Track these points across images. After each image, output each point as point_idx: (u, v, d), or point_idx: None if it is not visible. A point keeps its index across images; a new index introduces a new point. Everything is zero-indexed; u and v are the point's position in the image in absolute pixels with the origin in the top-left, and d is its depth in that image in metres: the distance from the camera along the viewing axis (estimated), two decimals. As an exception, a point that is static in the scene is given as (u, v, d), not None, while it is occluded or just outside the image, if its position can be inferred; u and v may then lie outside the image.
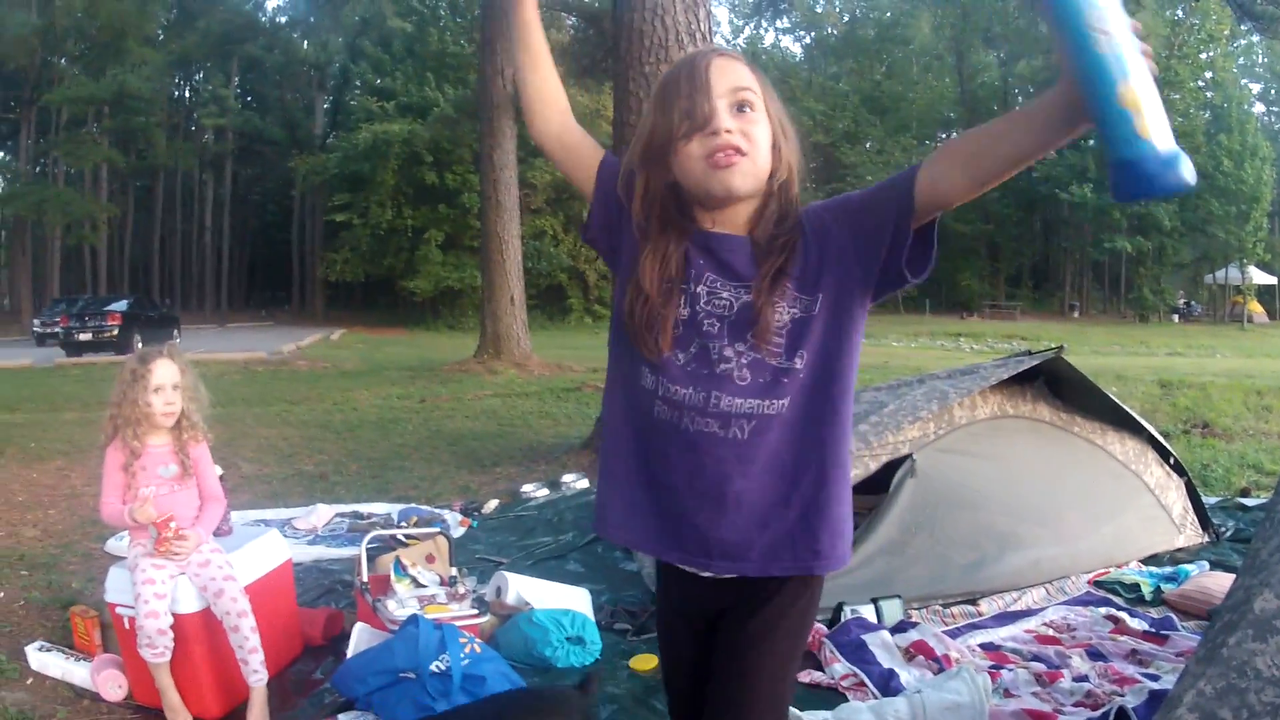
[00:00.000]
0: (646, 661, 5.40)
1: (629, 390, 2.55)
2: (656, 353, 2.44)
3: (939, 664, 5.16)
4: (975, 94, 78.47)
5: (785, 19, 77.33)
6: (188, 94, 78.85)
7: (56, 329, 35.92)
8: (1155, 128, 1.97)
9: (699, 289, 2.42)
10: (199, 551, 5.01)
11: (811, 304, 2.39)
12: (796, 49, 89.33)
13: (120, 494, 4.96)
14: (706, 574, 2.53)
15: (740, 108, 2.38)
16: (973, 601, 6.24)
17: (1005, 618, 6.09)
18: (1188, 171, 1.96)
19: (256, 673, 4.93)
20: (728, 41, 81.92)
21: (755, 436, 2.39)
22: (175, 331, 39.65)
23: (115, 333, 34.87)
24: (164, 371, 5.00)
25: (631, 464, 2.56)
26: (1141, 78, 1.99)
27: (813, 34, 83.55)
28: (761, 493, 2.41)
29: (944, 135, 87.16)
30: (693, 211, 2.49)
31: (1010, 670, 5.18)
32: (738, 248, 2.43)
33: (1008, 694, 4.89)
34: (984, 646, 5.60)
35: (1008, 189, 76.53)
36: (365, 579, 5.87)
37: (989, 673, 4.99)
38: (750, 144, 2.36)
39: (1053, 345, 7.49)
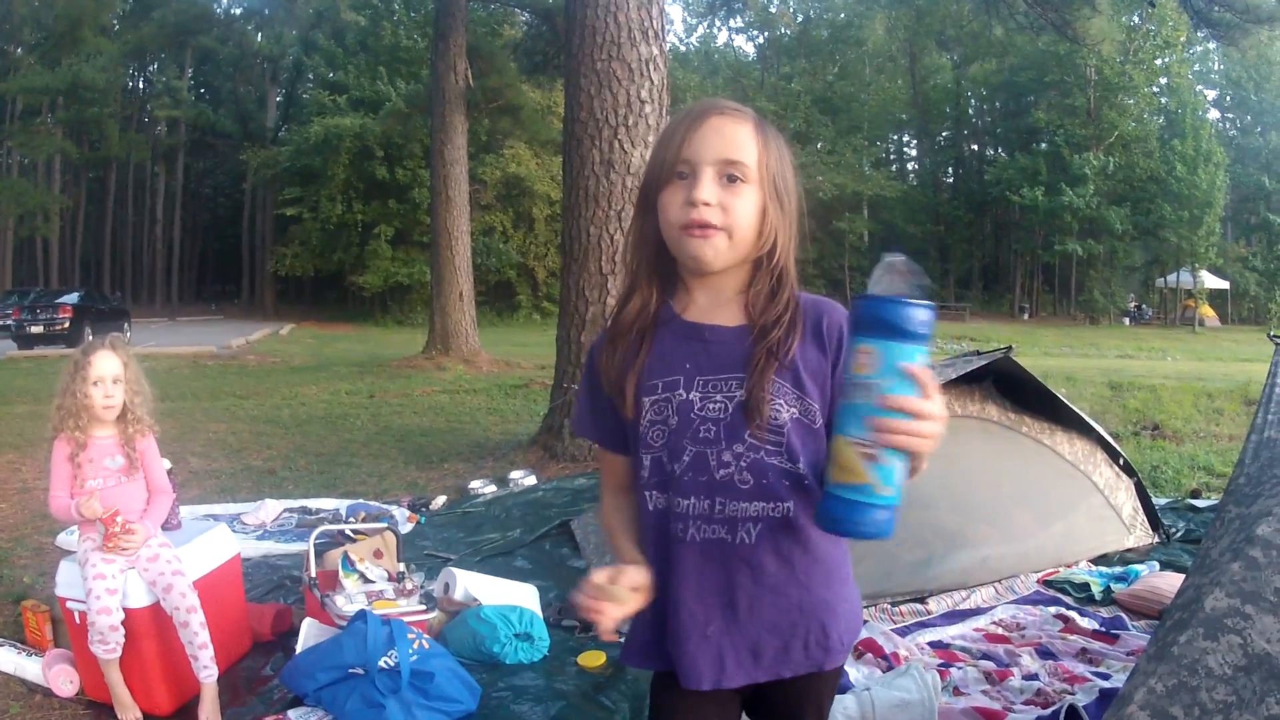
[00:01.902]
0: (594, 658, 5.41)
1: (644, 515, 2.45)
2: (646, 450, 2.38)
3: (888, 662, 5.18)
4: (928, 96, 78.75)
5: (739, 18, 77.31)
6: (141, 85, 78.67)
7: (8, 321, 35.74)
8: (853, 478, 2.04)
9: (692, 395, 2.35)
10: (148, 546, 5.00)
11: (810, 407, 2.34)
12: (750, 48, 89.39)
13: (68, 487, 4.95)
14: (709, 687, 2.40)
15: (729, 178, 2.30)
16: (921, 600, 6.26)
17: (954, 616, 6.11)
18: (874, 526, 2.07)
19: (206, 668, 4.93)
20: (680, 40, 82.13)
21: (763, 540, 2.32)
22: (126, 325, 39.46)
23: (66, 325, 34.72)
24: (104, 364, 4.99)
25: (656, 587, 2.39)
26: (869, 439, 2.03)
27: (766, 34, 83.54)
28: (773, 597, 2.35)
29: (895, 137, 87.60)
30: (678, 269, 2.45)
31: (959, 668, 5.19)
32: (730, 339, 2.37)
33: (957, 692, 4.90)
34: (933, 645, 5.60)
35: (958, 191, 77.03)
36: (314, 574, 5.88)
37: (938, 671, 5.01)
38: (728, 218, 2.29)
39: (1001, 346, 7.51)
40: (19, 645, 5.74)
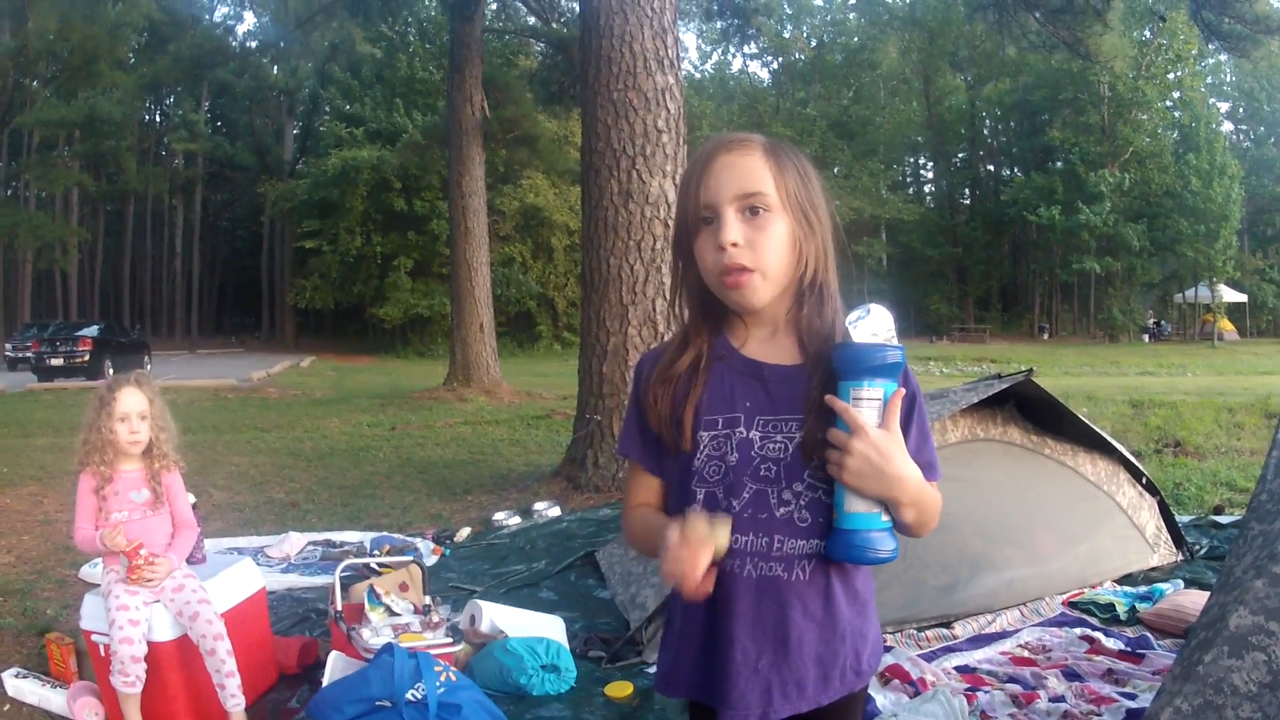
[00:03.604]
0: (621, 689, 5.40)
1: None
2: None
3: (914, 687, 5.16)
4: (943, 117, 78.71)
5: (753, 45, 77.28)
6: (158, 118, 78.92)
7: (28, 354, 35.86)
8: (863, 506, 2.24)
9: (752, 434, 2.36)
10: (172, 577, 5.01)
11: None
12: (765, 74, 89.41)
13: (92, 519, 4.96)
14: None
15: (751, 210, 2.31)
16: (947, 624, 6.24)
17: (980, 640, 6.09)
18: (877, 551, 2.25)
19: (234, 697, 4.94)
20: (695, 68, 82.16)
21: (814, 576, 2.35)
22: (146, 357, 39.60)
23: (86, 358, 34.87)
24: (130, 400, 5.01)
25: (695, 619, 2.46)
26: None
27: (780, 59, 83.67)
28: (819, 630, 2.38)
29: (911, 159, 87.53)
30: (725, 310, 2.45)
31: (986, 692, 5.17)
32: (789, 379, 2.38)
33: (984, 716, 4.88)
34: (959, 669, 5.59)
35: (975, 212, 76.89)
36: (339, 607, 5.87)
37: (965, 695, 5.01)
38: (758, 256, 2.30)
39: (1022, 368, 7.51)
40: (43, 677, 5.76)
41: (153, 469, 5.12)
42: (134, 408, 5.01)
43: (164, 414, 5.21)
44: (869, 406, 2.21)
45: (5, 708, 5.53)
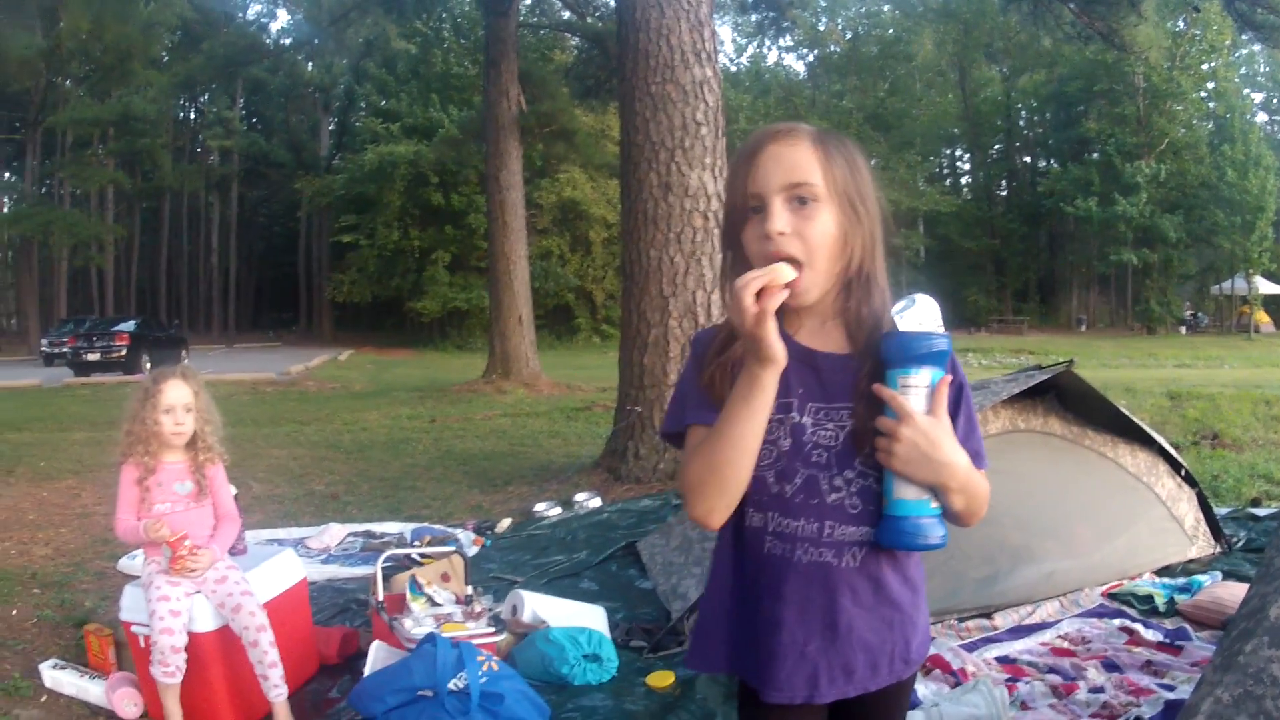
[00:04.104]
0: (663, 678, 5.42)
1: (738, 532, 2.47)
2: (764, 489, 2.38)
3: (955, 678, 5.17)
4: (979, 109, 78.30)
5: (788, 37, 77.07)
6: (193, 116, 79.12)
7: (64, 349, 36.06)
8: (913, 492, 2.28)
9: (804, 419, 2.36)
10: (215, 568, 5.05)
11: None
12: (800, 67, 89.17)
13: (134, 510, 5.02)
14: (800, 701, 2.43)
15: (799, 200, 2.30)
16: (987, 615, 6.25)
17: (1020, 631, 6.10)
18: (926, 538, 2.30)
19: (277, 687, 4.99)
20: (730, 61, 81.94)
21: (864, 563, 2.36)
22: (183, 352, 39.78)
23: (123, 353, 35.06)
24: (175, 393, 5.06)
25: (738, 601, 2.49)
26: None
27: (816, 52, 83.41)
28: (869, 618, 2.39)
29: (948, 151, 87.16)
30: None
31: (1026, 683, 5.19)
32: (841, 368, 2.38)
33: (1025, 706, 4.90)
34: (999, 660, 5.60)
35: (1012, 204, 76.48)
36: (381, 598, 5.89)
37: (1005, 685, 5.02)
38: (806, 247, 2.29)
39: (1062, 359, 7.50)
40: (81, 668, 5.79)
41: (197, 461, 5.17)
42: (179, 400, 5.05)
43: (209, 407, 5.25)
44: (916, 393, 2.24)
45: (43, 698, 5.58)
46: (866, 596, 2.37)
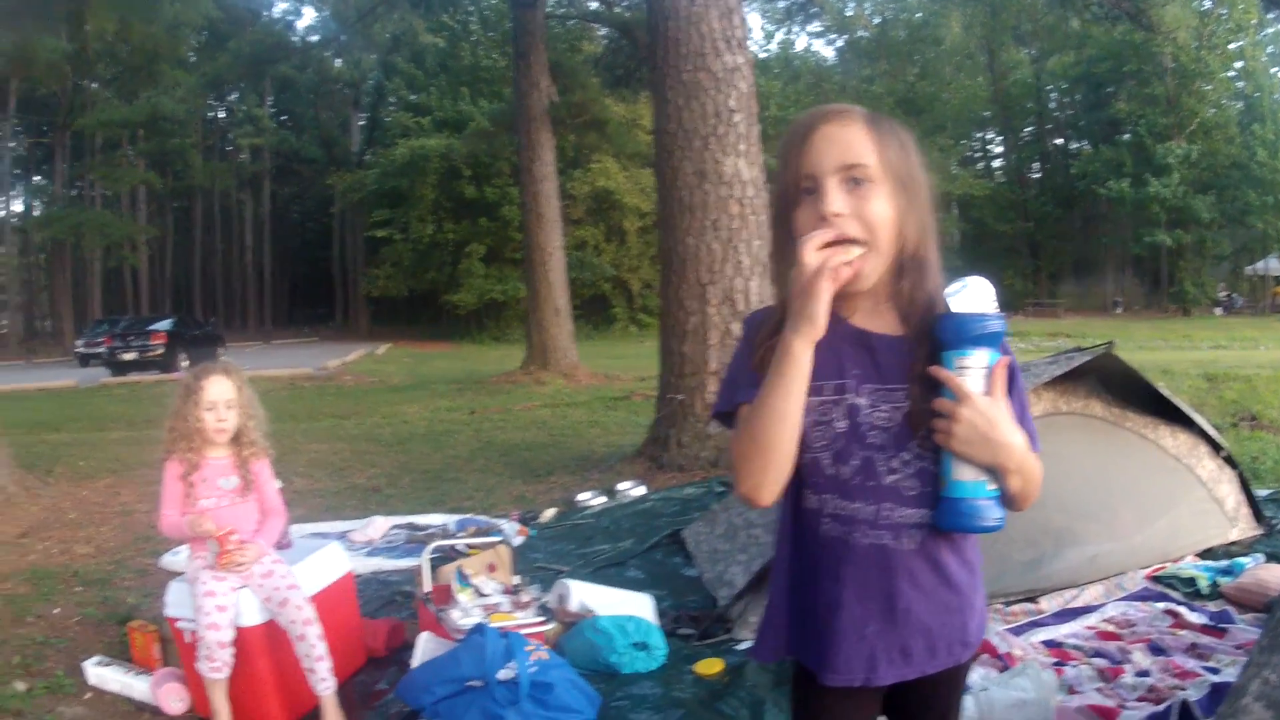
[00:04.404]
0: (711, 666, 5.42)
1: (796, 514, 2.48)
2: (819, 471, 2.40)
3: (1002, 662, 5.19)
4: (1009, 91, 77.96)
5: (816, 23, 77.14)
6: (222, 115, 79.35)
7: (100, 349, 36.32)
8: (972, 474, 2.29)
9: (859, 400, 2.36)
10: (261, 563, 5.09)
11: None
12: (829, 53, 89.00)
13: (179, 505, 5.05)
14: (859, 684, 2.44)
15: (854, 182, 2.30)
16: (1033, 599, 6.26)
17: (1066, 614, 6.10)
18: (984, 520, 2.31)
19: (325, 680, 5.03)
20: (759, 47, 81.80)
21: (922, 545, 2.36)
22: (220, 349, 39.88)
23: (160, 352, 35.26)
24: (217, 389, 5.09)
25: (798, 583, 2.50)
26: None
27: (844, 37, 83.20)
28: (927, 600, 2.39)
29: (979, 134, 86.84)
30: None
31: (1073, 666, 5.20)
32: (897, 349, 2.38)
33: (1071, 690, 4.91)
34: (1046, 643, 5.61)
35: (1045, 186, 76.14)
36: (428, 589, 5.93)
37: (1053, 669, 5.05)
38: (866, 228, 2.29)
39: (1100, 341, 7.50)
40: (126, 665, 5.82)
41: (241, 456, 5.21)
42: (221, 396, 5.09)
43: (252, 401, 5.29)
44: (973, 374, 2.25)
45: (86, 696, 5.63)
46: (925, 579, 2.38)
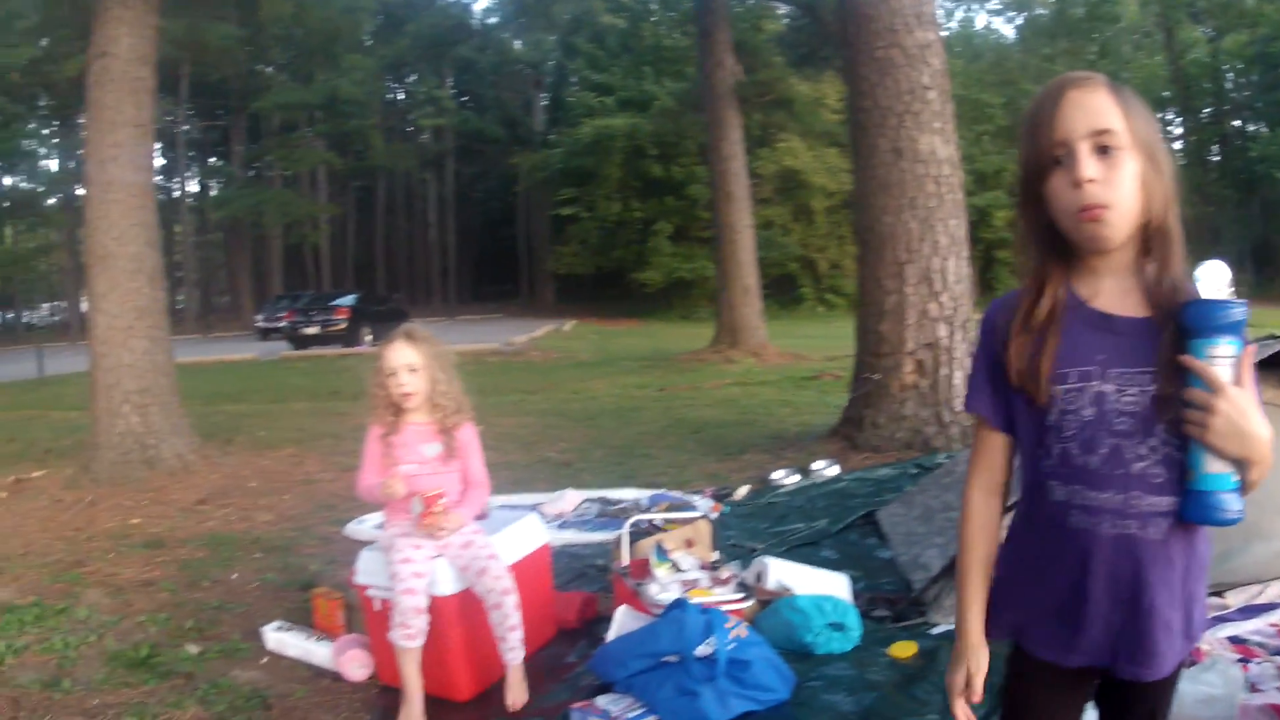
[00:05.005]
0: (905, 649, 5.47)
1: (1039, 506, 2.47)
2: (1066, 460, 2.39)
3: (1190, 657, 5.18)
4: (1187, 71, 76.13)
5: (994, 1, 76.14)
6: (401, 97, 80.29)
7: (281, 324, 37.05)
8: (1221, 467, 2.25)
9: (1106, 386, 2.34)
10: (460, 533, 5.22)
11: None
12: (1009, 30, 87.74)
13: (377, 469, 5.23)
14: (1091, 664, 2.47)
15: (1102, 149, 2.28)
16: (1218, 593, 6.11)
17: (1250, 610, 5.95)
18: (1228, 512, 2.27)
19: (514, 649, 5.12)
20: (941, 26, 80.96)
21: (1168, 535, 2.32)
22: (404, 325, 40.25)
23: (344, 326, 35.93)
24: (396, 356, 5.24)
25: (1037, 573, 2.49)
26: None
27: (1024, 15, 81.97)
28: (1169, 594, 2.36)
29: (1160, 116, 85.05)
30: (1072, 252, 2.42)
31: (1257, 664, 5.11)
32: (1142, 331, 2.34)
33: (1254, 688, 4.80)
34: (1231, 640, 5.50)
35: (1225, 170, 74.37)
36: (626, 563, 6.02)
37: (1239, 665, 4.98)
38: (1113, 193, 2.27)
39: (1289, 328, 7.31)
40: (306, 630, 6.05)
41: (442, 422, 5.34)
42: (401, 361, 5.21)
43: (441, 365, 5.41)
44: (1224, 364, 2.21)
45: (263, 660, 5.84)
46: (1169, 570, 2.35)
